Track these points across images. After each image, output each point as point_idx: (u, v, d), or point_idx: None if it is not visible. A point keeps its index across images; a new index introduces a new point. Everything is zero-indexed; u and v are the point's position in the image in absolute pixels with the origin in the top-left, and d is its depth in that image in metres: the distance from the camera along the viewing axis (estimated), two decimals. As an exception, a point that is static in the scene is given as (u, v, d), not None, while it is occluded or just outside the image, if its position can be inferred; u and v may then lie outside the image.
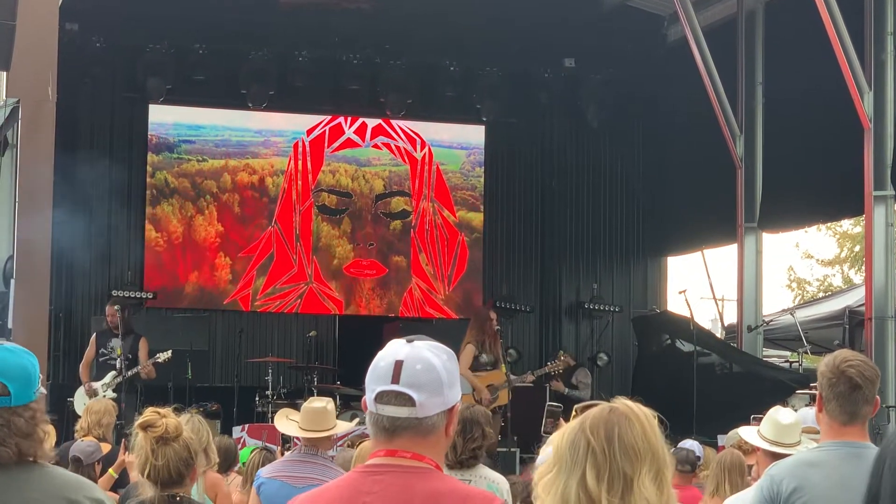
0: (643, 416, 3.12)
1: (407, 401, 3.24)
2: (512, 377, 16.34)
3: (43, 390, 4.18)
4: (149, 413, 5.65)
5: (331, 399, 8.55)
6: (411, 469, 3.29)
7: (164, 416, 5.62)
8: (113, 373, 15.77)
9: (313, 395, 16.20)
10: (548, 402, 16.11)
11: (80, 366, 16.22)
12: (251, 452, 10.00)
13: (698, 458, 9.96)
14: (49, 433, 4.10)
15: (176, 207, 20.21)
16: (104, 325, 16.32)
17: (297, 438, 8.37)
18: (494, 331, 16.51)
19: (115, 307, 16.07)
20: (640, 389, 19.95)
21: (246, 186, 20.49)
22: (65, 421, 14.66)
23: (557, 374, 18.51)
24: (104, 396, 14.86)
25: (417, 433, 3.27)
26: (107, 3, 18.46)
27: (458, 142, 21.55)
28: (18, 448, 3.92)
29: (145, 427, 5.58)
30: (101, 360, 16.05)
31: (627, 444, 3.07)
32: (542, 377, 17.60)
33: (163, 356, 15.83)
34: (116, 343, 15.81)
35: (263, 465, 8.61)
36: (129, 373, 15.59)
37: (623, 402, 3.15)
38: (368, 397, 3.29)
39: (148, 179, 20.12)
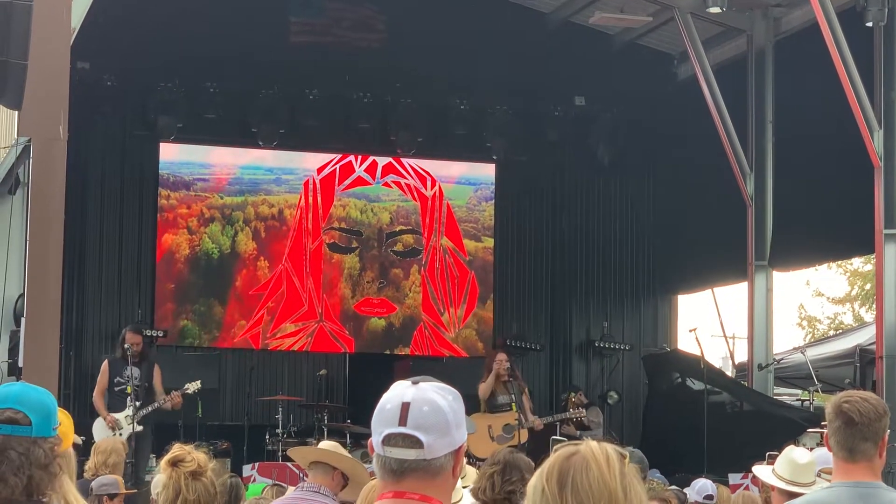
0: (603, 459, 3.11)
1: (415, 443, 3.23)
2: (525, 419, 16.35)
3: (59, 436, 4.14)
4: (176, 449, 5.65)
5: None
6: (419, 511, 3.28)
7: (189, 452, 5.62)
8: (136, 404, 15.26)
9: (323, 434, 16.22)
10: (553, 437, 16.06)
11: (95, 395, 15.72)
12: (263, 489, 9.94)
13: (711, 496, 9.95)
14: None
15: (219, 228, 20.37)
16: (119, 353, 15.75)
17: (305, 474, 8.28)
18: (498, 371, 16.63)
19: (139, 335, 15.89)
20: (651, 428, 19.93)
21: (268, 217, 20.56)
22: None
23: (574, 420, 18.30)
24: (119, 434, 14.73)
25: (425, 474, 3.27)
26: (118, 41, 18.53)
27: (466, 178, 21.56)
28: (31, 480, 3.87)
29: (175, 462, 5.56)
30: (115, 389, 15.58)
31: (580, 488, 3.08)
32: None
33: (192, 387, 15.69)
34: (135, 372, 15.43)
35: None
36: (155, 405, 15.39)
37: (588, 444, 3.15)
38: (375, 440, 3.29)
39: (186, 210, 20.26)
